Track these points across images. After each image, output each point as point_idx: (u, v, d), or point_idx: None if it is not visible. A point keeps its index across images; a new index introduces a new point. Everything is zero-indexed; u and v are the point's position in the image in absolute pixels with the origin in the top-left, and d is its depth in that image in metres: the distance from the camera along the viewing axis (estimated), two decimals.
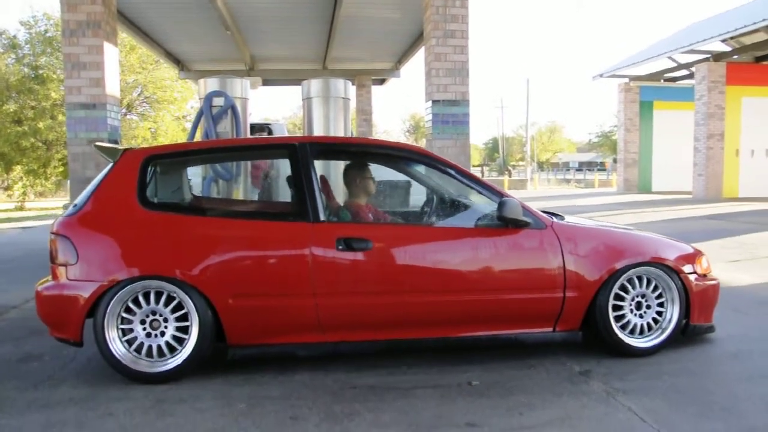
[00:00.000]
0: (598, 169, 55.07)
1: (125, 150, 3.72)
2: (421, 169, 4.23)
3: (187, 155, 4.21)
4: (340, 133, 6.52)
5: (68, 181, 6.69)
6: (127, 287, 3.37)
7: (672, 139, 21.53)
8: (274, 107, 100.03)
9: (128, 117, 24.26)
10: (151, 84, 23.64)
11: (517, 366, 3.65)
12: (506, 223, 3.63)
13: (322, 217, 3.55)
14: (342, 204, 4.26)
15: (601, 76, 21.94)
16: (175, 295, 3.42)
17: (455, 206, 4.16)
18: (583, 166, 62.95)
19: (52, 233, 3.52)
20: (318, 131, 6.51)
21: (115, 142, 6.81)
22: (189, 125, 7.88)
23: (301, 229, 3.51)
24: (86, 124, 6.56)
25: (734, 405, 3.04)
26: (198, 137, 6.72)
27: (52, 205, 23.47)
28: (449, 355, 3.85)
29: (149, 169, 3.65)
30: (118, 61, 7.50)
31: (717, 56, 18.11)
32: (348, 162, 4.32)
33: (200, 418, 2.96)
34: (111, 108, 6.70)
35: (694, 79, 18.52)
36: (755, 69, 18.63)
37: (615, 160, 28.15)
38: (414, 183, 4.62)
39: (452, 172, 3.87)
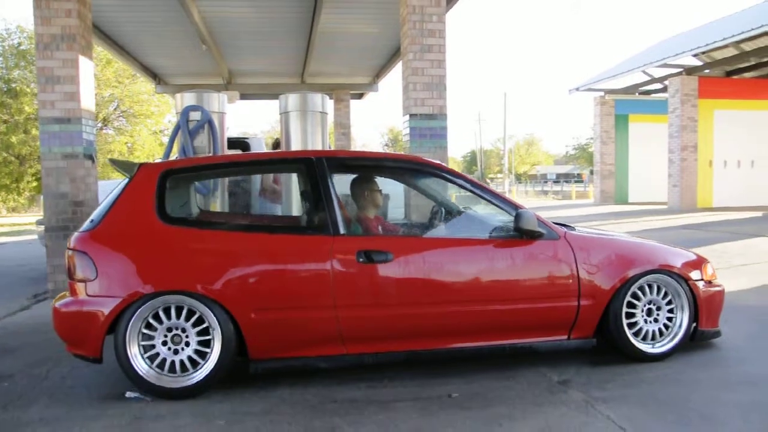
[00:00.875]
0: (576, 181, 55.63)
1: (141, 165, 3.72)
2: (435, 181, 4.26)
3: (203, 169, 4.20)
4: (318, 147, 6.51)
5: (41, 197, 6.59)
6: (149, 303, 3.35)
7: (647, 151, 21.88)
8: (252, 121, 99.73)
9: (104, 131, 24.03)
10: (127, 98, 23.47)
11: (497, 377, 3.65)
12: (522, 234, 3.70)
13: (342, 230, 3.57)
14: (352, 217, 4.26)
15: (577, 89, 22.26)
16: (195, 309, 3.40)
17: (470, 218, 4.20)
18: (560, 178, 63.46)
19: (70, 249, 3.48)
20: (295, 145, 6.49)
21: (91, 157, 6.73)
22: (166, 140, 7.82)
23: (323, 242, 3.53)
24: (60, 139, 6.46)
25: (711, 412, 3.06)
26: (174, 152, 6.67)
27: (25, 220, 23.09)
28: (429, 367, 3.85)
29: (167, 183, 3.63)
30: (94, 75, 7.43)
31: (689, 70, 18.47)
32: (355, 175, 4.32)
33: None
34: (86, 122, 6.62)
35: (668, 92, 18.87)
36: (726, 83, 19.06)
37: (592, 172, 28.51)
38: (414, 194, 4.60)
39: (466, 184, 3.94)
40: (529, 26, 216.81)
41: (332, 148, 12.38)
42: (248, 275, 3.45)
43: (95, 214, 3.60)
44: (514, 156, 66.04)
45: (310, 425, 3.01)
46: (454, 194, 4.62)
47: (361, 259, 3.50)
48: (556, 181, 58.01)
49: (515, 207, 3.82)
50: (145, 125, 24.83)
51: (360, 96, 17.08)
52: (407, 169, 4.27)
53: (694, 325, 3.98)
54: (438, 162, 4.15)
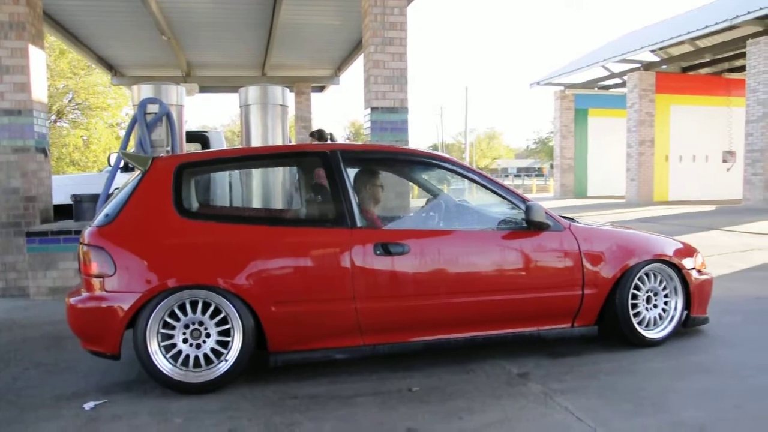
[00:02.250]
0: (536, 175, 56.40)
1: (154, 158, 3.68)
2: (447, 175, 4.28)
3: (219, 163, 4.21)
4: (279, 141, 6.45)
5: None
6: (169, 297, 3.32)
7: (606, 145, 22.30)
8: (212, 115, 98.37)
9: (58, 124, 23.41)
10: (82, 90, 22.89)
11: (456, 371, 3.67)
12: (531, 225, 3.81)
13: (359, 223, 3.61)
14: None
15: (537, 83, 22.54)
16: (212, 302, 3.39)
17: (479, 210, 4.26)
18: (521, 172, 64.35)
19: (84, 244, 3.42)
20: (256, 139, 6.42)
21: (43, 151, 6.53)
22: (123, 133, 7.65)
23: (341, 235, 3.56)
24: (10, 132, 6.24)
25: (665, 401, 3.13)
26: (131, 146, 6.53)
27: None
28: (389, 362, 3.84)
29: (183, 177, 3.61)
30: (47, 66, 7.21)
31: (647, 66, 18.87)
32: (359, 169, 4.34)
33: None
34: (38, 114, 6.41)
35: (626, 87, 19.25)
36: (682, 79, 19.52)
37: (552, 166, 28.89)
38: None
39: (476, 178, 4.02)
40: (490, 20, 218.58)
41: (293, 143, 12.30)
42: (268, 269, 3.47)
43: (109, 209, 3.55)
44: (476, 150, 66.60)
45: (270, 421, 2.98)
46: (450, 187, 4.66)
47: (378, 252, 3.54)
48: (517, 175, 58.75)
49: (524, 200, 3.93)
50: (102, 118, 24.27)
51: (321, 89, 16.99)
52: (420, 162, 4.33)
53: (686, 311, 4.18)
54: (449, 156, 4.23)
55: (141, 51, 12.31)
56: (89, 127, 23.97)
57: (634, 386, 3.36)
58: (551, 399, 3.19)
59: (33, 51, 6.34)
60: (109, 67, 14.00)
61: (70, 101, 23.62)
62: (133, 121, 6.33)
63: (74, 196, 6.54)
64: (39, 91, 6.49)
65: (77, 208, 6.49)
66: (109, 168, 7.73)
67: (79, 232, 5.80)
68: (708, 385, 3.34)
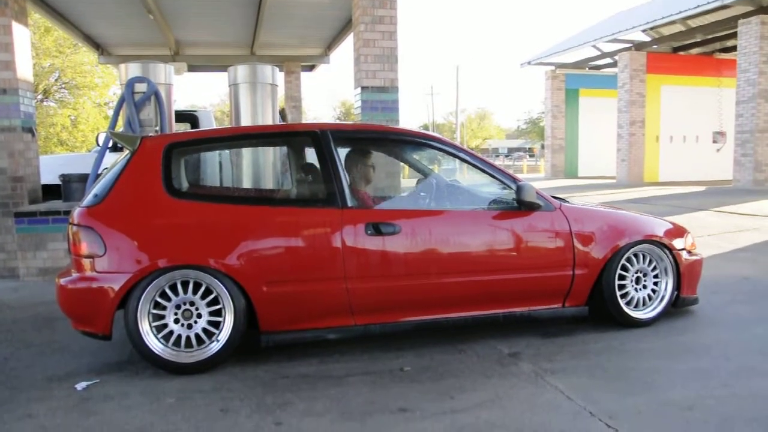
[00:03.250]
0: (530, 156, 56.37)
1: (143, 138, 3.66)
2: (438, 154, 4.28)
3: (208, 142, 4.19)
4: (268, 121, 6.39)
5: None
6: (160, 278, 3.32)
7: (597, 126, 22.28)
8: (201, 94, 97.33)
9: (45, 104, 23.10)
10: (69, 69, 22.56)
11: (448, 351, 3.69)
12: (522, 205, 3.82)
13: (349, 203, 3.61)
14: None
15: (528, 63, 22.42)
16: (203, 282, 3.38)
17: (470, 190, 4.25)
18: (512, 152, 64.30)
19: (73, 224, 3.40)
20: (245, 118, 6.35)
21: (30, 130, 6.44)
22: (111, 112, 7.56)
23: (332, 215, 3.56)
24: None
25: (654, 380, 3.16)
26: (120, 125, 6.45)
27: None
28: (381, 342, 3.86)
29: (172, 156, 3.58)
30: (32, 44, 7.08)
31: (638, 46, 18.80)
32: (350, 149, 4.33)
33: (127, 416, 2.85)
34: (24, 93, 6.31)
35: (617, 67, 19.19)
36: (673, 59, 19.47)
37: (543, 147, 28.90)
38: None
39: (468, 158, 4.01)
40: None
41: (288, 122, 12.18)
42: (259, 249, 3.47)
43: (98, 189, 3.53)
44: (466, 130, 66.41)
45: (262, 401, 2.99)
46: (441, 167, 4.66)
47: (369, 231, 3.55)
48: (507, 155, 58.71)
49: (514, 180, 3.93)
50: (89, 97, 23.96)
51: (311, 68, 16.81)
52: (411, 142, 4.32)
53: (676, 292, 4.20)
54: (440, 136, 4.22)
55: (128, 29, 12.11)
56: (77, 107, 23.67)
57: (624, 366, 3.39)
58: (542, 378, 3.21)
59: (17, 28, 6.23)
60: (96, 45, 13.78)
61: (56, 80, 23.29)
62: (121, 101, 6.24)
63: (63, 176, 6.48)
64: (24, 70, 6.39)
65: (66, 188, 6.43)
66: (98, 148, 7.65)
67: (68, 213, 5.76)
68: (697, 365, 3.38)
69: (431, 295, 3.72)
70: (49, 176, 7.50)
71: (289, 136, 4.53)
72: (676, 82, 19.00)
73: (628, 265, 4.07)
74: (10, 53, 6.14)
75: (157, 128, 6.18)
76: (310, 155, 4.06)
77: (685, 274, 4.21)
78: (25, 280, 6.07)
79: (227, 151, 6.13)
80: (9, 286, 5.87)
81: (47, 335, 4.18)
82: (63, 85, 23.51)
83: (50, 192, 7.19)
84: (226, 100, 43.06)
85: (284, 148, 5.48)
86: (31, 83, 6.64)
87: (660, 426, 2.65)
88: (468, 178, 4.51)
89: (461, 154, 4.03)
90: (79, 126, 23.35)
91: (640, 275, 4.12)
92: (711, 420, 2.70)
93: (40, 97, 22.74)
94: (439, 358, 3.57)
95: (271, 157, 6.09)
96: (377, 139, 4.33)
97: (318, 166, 3.79)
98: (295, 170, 4.78)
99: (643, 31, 18.37)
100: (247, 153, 5.98)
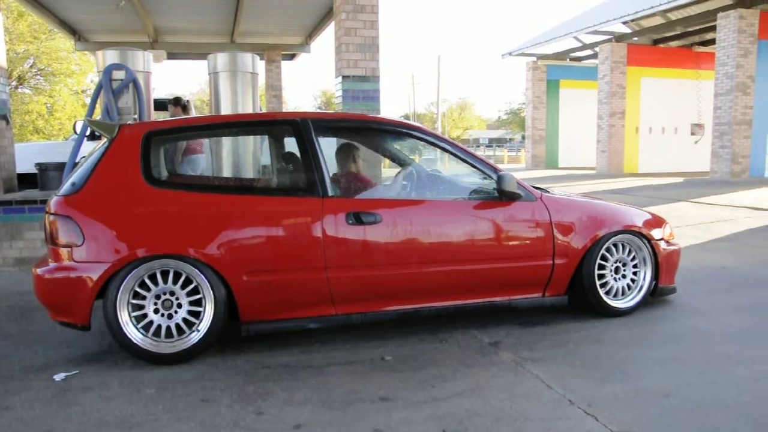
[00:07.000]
0: (513, 145, 56.56)
1: (121, 126, 3.59)
2: (419, 144, 4.27)
3: (188, 131, 4.15)
4: (248, 109, 6.34)
5: None
6: (139, 267, 3.28)
7: (577, 117, 22.44)
8: (181, 82, 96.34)
9: (20, 90, 22.68)
10: (44, 55, 22.14)
11: (428, 340, 3.70)
12: (502, 195, 3.83)
13: (330, 192, 3.59)
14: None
15: (510, 54, 22.48)
16: (183, 272, 3.35)
17: (451, 180, 4.24)
18: (493, 143, 64.52)
19: (51, 213, 3.33)
20: (225, 107, 6.30)
21: (5, 117, 6.32)
22: (89, 100, 7.44)
23: (313, 204, 3.54)
24: None
25: (632, 368, 3.20)
26: (97, 113, 6.36)
27: None
28: (362, 331, 3.86)
29: (151, 145, 3.53)
30: (5, 28, 6.93)
31: (619, 38, 18.93)
32: (342, 139, 4.33)
33: (107, 406, 2.82)
34: None
35: (598, 59, 19.31)
36: (653, 51, 19.63)
37: (523, 137, 29.02)
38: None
39: (448, 147, 4.01)
40: None
41: (263, 111, 12.10)
42: (239, 238, 3.43)
43: (76, 177, 3.46)
44: (447, 120, 66.44)
45: (243, 391, 2.97)
46: (422, 156, 4.66)
47: (350, 221, 3.54)
48: (488, 146, 58.90)
49: (495, 169, 3.94)
50: (66, 84, 23.56)
51: (292, 57, 16.71)
52: (392, 131, 4.30)
53: (654, 282, 4.25)
54: (421, 126, 4.21)
55: (105, 15, 11.90)
56: (53, 94, 23.27)
57: (603, 355, 3.42)
58: (522, 367, 3.24)
59: None
60: (72, 31, 13.54)
61: (31, 66, 22.87)
62: (99, 88, 6.15)
63: (39, 165, 6.37)
64: None
65: (42, 177, 6.32)
66: (75, 136, 7.54)
67: (44, 202, 5.67)
68: (674, 353, 3.42)
69: (412, 284, 3.72)
70: (25, 165, 7.37)
71: (270, 125, 4.50)
72: (655, 74, 19.19)
73: (607, 254, 4.10)
74: None
75: (136, 116, 6.10)
76: (291, 144, 4.04)
77: (663, 264, 4.26)
78: (0, 270, 5.98)
79: (207, 140, 6.08)
80: None
81: (24, 326, 4.12)
82: (38, 72, 23.09)
83: (25, 181, 7.07)
84: (206, 88, 42.66)
85: (265, 137, 5.44)
86: (5, 69, 6.51)
87: (637, 413, 2.68)
88: (449, 168, 4.51)
89: (442, 144, 4.03)
90: (56, 114, 22.97)
91: (620, 265, 4.16)
92: (686, 407, 2.74)
93: (14, 83, 22.32)
94: (420, 347, 3.58)
95: (252, 145, 6.05)
96: (358, 128, 4.31)
97: (299, 155, 3.77)
98: (275, 159, 4.75)
99: (624, 23, 18.50)
100: (227, 142, 5.94)
